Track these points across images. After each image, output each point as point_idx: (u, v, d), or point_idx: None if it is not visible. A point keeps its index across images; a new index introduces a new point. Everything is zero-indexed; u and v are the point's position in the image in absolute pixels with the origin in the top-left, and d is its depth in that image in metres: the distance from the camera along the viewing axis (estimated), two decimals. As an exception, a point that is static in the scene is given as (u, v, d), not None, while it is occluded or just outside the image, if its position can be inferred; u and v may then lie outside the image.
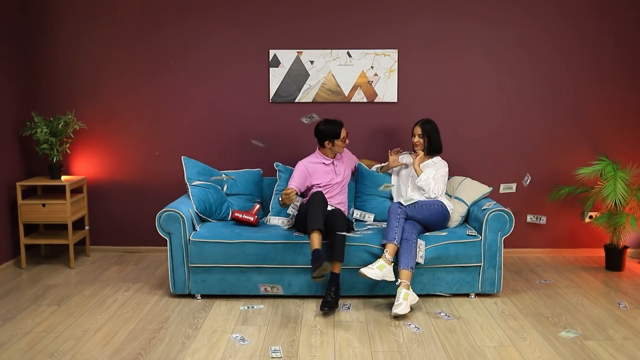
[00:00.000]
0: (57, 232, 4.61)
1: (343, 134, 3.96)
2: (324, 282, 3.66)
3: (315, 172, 3.93)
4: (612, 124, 4.65)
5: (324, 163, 3.94)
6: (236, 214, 3.92)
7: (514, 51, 4.58)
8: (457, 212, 3.95)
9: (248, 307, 3.60)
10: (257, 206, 4.04)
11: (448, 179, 4.31)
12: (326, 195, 3.82)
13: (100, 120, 4.69)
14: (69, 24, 4.59)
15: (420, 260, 3.58)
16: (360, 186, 4.28)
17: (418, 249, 3.60)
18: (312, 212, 3.55)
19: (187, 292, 3.73)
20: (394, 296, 3.74)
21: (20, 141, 4.58)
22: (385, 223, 3.87)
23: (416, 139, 4.03)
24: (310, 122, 4.08)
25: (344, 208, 4.04)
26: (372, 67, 4.56)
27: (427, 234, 3.74)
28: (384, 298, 3.74)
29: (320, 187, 3.91)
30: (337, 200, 4.01)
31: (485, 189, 4.02)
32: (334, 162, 4.02)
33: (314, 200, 3.62)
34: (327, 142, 3.94)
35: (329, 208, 3.79)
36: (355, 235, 3.70)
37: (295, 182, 3.87)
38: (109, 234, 4.82)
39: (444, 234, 3.73)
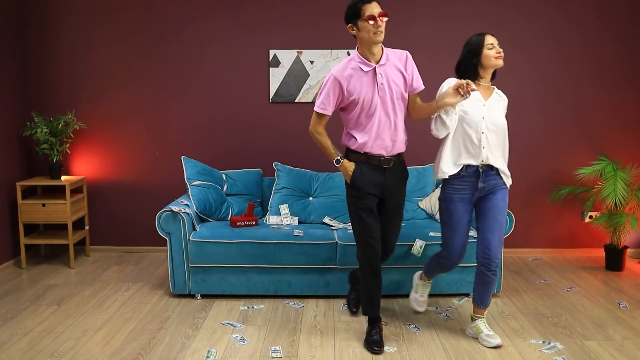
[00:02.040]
0: (57, 232, 4.61)
1: (369, 10, 2.75)
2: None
3: (351, 81, 2.85)
4: (612, 124, 4.65)
5: (362, 69, 2.85)
6: (238, 223, 3.90)
7: (514, 51, 4.57)
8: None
9: (248, 307, 3.60)
10: (252, 205, 4.02)
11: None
12: (371, 123, 2.90)
13: (100, 120, 4.69)
14: (70, 24, 4.59)
15: (416, 254, 3.63)
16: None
17: (417, 246, 3.62)
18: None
19: (187, 292, 3.73)
20: (393, 296, 3.75)
21: (20, 141, 4.58)
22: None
23: (497, 49, 2.94)
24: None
25: (403, 144, 3.01)
26: (372, 67, 4.55)
27: (432, 234, 3.70)
28: (383, 298, 3.74)
29: (362, 105, 2.88)
30: (389, 129, 2.92)
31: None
32: (378, 69, 2.87)
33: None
34: (350, 25, 2.85)
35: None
36: None
37: (326, 105, 2.91)
38: (109, 234, 4.82)
39: None
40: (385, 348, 3.01)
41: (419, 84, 3.00)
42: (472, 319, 3.16)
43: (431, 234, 3.71)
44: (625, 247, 4.37)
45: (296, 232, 3.74)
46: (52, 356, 2.92)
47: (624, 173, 4.29)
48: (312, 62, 4.56)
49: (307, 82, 4.58)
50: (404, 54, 2.98)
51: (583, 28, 4.57)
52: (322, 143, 3.02)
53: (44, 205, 4.32)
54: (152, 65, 4.62)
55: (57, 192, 4.65)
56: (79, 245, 4.80)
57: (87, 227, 4.69)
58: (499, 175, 2.98)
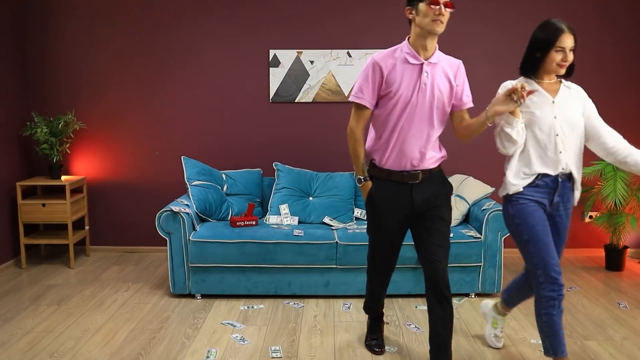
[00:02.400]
0: (57, 232, 4.61)
1: None
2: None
3: (393, 70, 2.49)
4: (612, 123, 4.60)
5: (408, 61, 2.50)
6: (238, 223, 3.89)
7: (514, 51, 4.56)
8: (458, 210, 3.96)
9: (248, 307, 3.60)
10: (252, 205, 4.02)
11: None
12: (401, 125, 2.52)
13: (100, 120, 4.69)
14: (70, 25, 4.59)
15: None
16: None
17: None
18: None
19: (187, 292, 3.73)
20: (393, 296, 3.75)
21: (20, 141, 4.58)
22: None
23: (565, 56, 2.46)
24: None
25: (435, 160, 2.62)
26: (372, 67, 4.56)
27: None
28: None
29: (397, 101, 2.50)
30: (419, 139, 2.54)
31: (488, 189, 4.03)
32: (426, 67, 2.50)
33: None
34: (409, 8, 2.50)
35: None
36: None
37: (365, 93, 2.54)
38: (109, 234, 4.82)
39: (451, 235, 3.71)
40: (386, 348, 3.01)
41: (468, 100, 2.63)
42: (497, 310, 3.00)
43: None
44: (625, 247, 4.37)
45: (296, 232, 3.74)
46: (52, 356, 2.92)
47: (624, 173, 4.29)
48: (312, 62, 4.56)
49: (307, 82, 4.58)
50: (457, 62, 2.62)
51: (583, 28, 4.57)
52: (355, 151, 2.62)
53: (44, 205, 4.32)
54: (152, 66, 4.62)
55: (57, 192, 4.64)
56: (79, 245, 4.80)
57: (87, 227, 4.69)
58: (573, 190, 2.56)
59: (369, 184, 2.63)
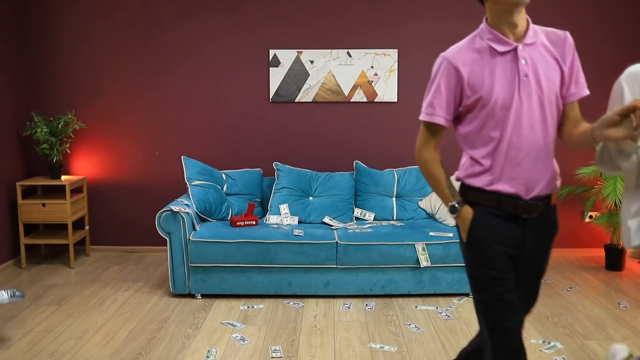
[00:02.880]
0: (57, 232, 4.61)
1: None
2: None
3: (475, 69, 1.81)
4: (612, 123, 4.64)
5: (494, 49, 1.81)
6: (238, 223, 3.89)
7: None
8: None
9: (248, 307, 3.60)
10: (252, 205, 4.02)
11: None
12: (513, 144, 1.79)
13: (100, 120, 4.69)
14: (70, 24, 4.60)
15: (427, 263, 3.60)
16: (359, 185, 4.28)
17: (420, 253, 3.61)
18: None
19: (187, 292, 3.73)
20: (393, 296, 3.75)
21: (20, 141, 4.58)
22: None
23: None
24: None
25: (556, 183, 1.92)
26: (372, 67, 4.56)
27: (431, 233, 3.72)
28: (383, 298, 3.74)
29: (492, 108, 1.80)
30: (534, 152, 1.82)
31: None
32: (522, 51, 1.80)
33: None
34: None
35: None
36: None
37: (436, 107, 1.85)
38: (109, 234, 4.82)
39: (450, 234, 3.72)
40: (386, 347, 3.01)
41: (579, 88, 1.87)
42: None
43: (431, 233, 3.71)
44: (626, 247, 4.37)
45: (296, 231, 3.74)
46: (52, 356, 2.92)
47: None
48: (312, 62, 4.56)
49: (307, 82, 4.58)
50: (563, 35, 1.87)
51: (583, 27, 4.57)
52: (432, 175, 1.90)
53: (44, 205, 4.32)
54: (152, 65, 4.63)
55: (57, 192, 4.65)
56: (79, 245, 4.80)
57: (87, 227, 4.69)
58: None
59: (469, 210, 1.87)
